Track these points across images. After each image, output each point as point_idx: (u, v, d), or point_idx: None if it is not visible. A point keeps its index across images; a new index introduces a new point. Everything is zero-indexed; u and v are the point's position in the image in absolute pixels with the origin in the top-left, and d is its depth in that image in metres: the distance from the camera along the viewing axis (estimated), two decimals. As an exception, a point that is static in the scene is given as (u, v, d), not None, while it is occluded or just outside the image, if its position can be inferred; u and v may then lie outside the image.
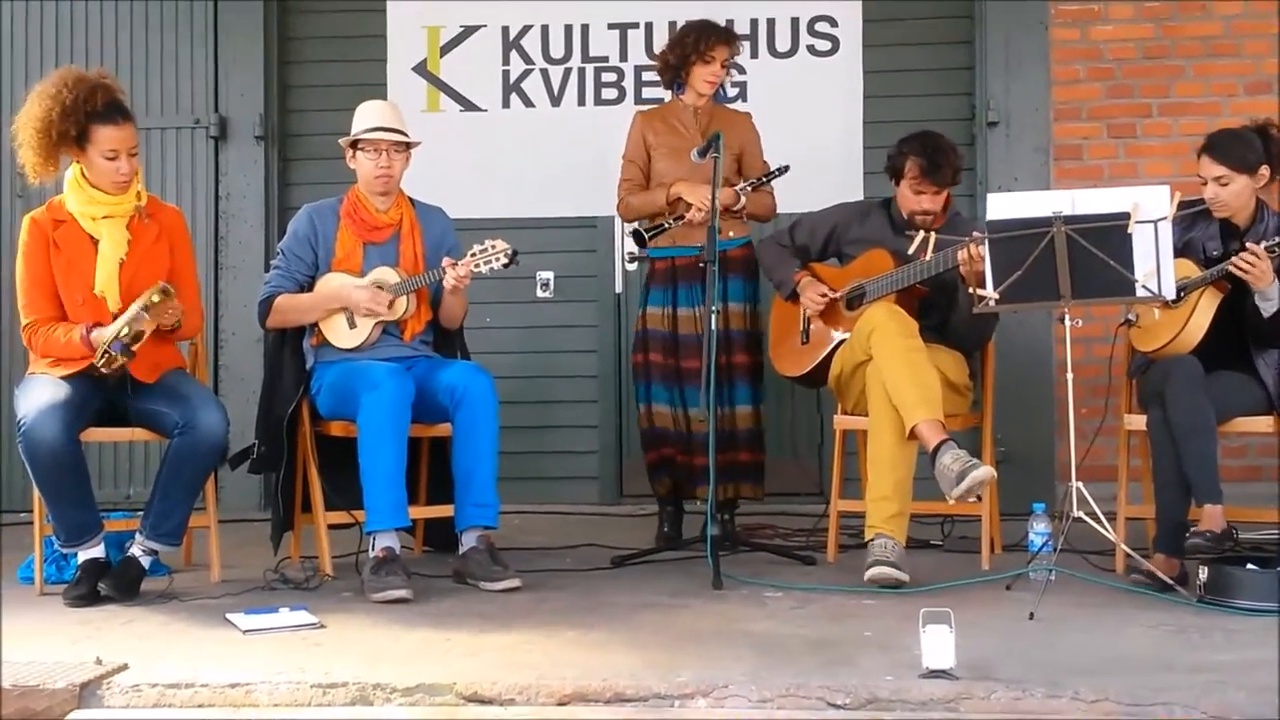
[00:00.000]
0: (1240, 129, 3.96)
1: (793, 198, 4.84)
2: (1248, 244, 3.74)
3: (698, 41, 4.55)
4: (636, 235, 4.49)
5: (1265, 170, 3.87)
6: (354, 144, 4.12)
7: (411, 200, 4.23)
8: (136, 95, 5.65)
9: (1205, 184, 3.87)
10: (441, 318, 4.21)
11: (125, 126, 3.83)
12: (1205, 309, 3.80)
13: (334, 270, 4.11)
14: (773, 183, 4.57)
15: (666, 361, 4.55)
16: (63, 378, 3.75)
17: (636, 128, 4.67)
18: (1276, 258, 3.71)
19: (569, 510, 5.38)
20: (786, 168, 4.53)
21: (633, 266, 5.61)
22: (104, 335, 3.69)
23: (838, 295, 4.28)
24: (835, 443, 4.34)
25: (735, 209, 4.49)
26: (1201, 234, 3.92)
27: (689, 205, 4.43)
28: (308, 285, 4.14)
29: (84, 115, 3.77)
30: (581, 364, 5.70)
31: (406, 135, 4.12)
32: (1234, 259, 3.72)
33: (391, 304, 4.04)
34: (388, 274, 4.08)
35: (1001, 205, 3.74)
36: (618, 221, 5.58)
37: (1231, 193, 3.85)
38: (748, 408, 4.54)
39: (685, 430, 4.51)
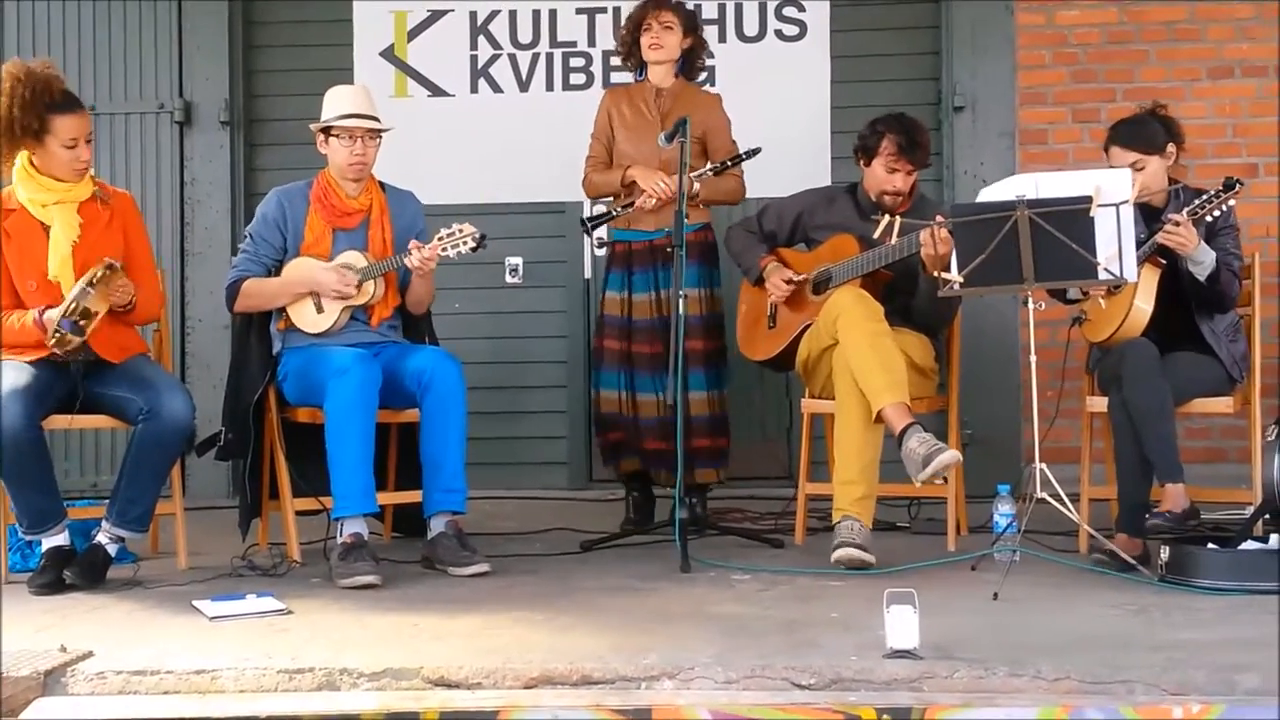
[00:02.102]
0: (1135, 115, 4.08)
1: (760, 182, 4.85)
2: (1167, 218, 3.80)
3: (632, 17, 4.61)
4: (581, 223, 4.53)
5: (1172, 148, 3.99)
6: (325, 130, 4.10)
7: (382, 185, 4.22)
8: (100, 80, 5.62)
9: None
10: (408, 303, 4.20)
11: (82, 115, 3.84)
12: (1146, 288, 3.85)
13: (302, 255, 4.09)
14: (742, 165, 4.54)
15: (620, 346, 4.55)
16: (28, 363, 3.72)
17: (604, 105, 4.68)
18: (1199, 220, 3.79)
19: (538, 495, 5.39)
20: (757, 150, 4.48)
21: (601, 252, 5.59)
22: (54, 315, 3.68)
23: (801, 279, 4.29)
24: (803, 426, 4.35)
25: (690, 195, 4.49)
26: None
27: (641, 190, 4.45)
28: (275, 269, 4.12)
29: (43, 107, 3.75)
30: (550, 349, 5.71)
31: (379, 122, 4.11)
32: (1161, 230, 3.78)
33: (359, 288, 4.03)
34: (355, 258, 4.07)
35: (995, 192, 3.77)
36: (586, 206, 5.57)
37: (1150, 174, 3.93)
38: (701, 393, 4.51)
39: (633, 415, 4.52)
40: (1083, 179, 3.68)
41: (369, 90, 4.26)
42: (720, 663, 2.79)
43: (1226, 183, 3.79)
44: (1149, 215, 3.96)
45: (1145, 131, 3.97)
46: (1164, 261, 3.87)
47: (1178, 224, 3.75)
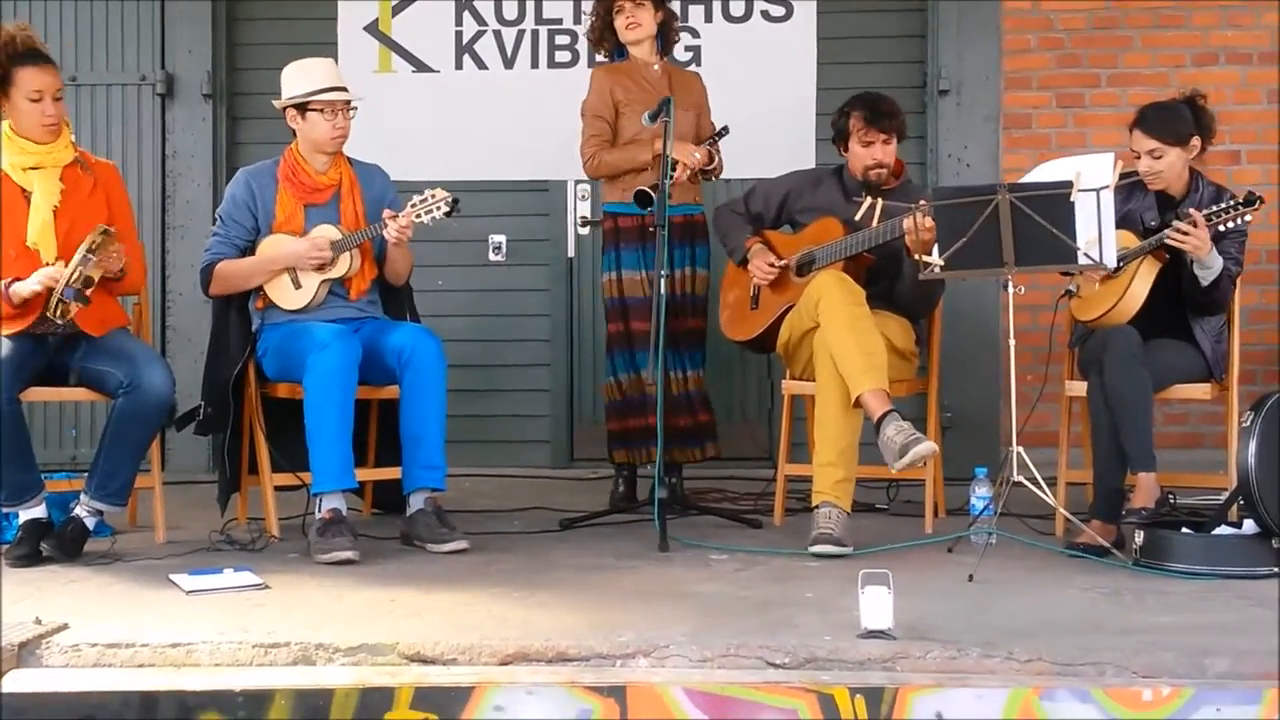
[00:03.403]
0: (1170, 101, 4.04)
1: (745, 163, 4.86)
2: (1183, 212, 3.80)
3: (600, 1, 4.60)
4: (642, 197, 4.30)
5: (1197, 141, 3.94)
6: (300, 105, 4.07)
7: (350, 159, 4.20)
8: (82, 52, 5.58)
9: (1139, 158, 3.93)
10: (387, 273, 4.19)
11: (48, 69, 3.80)
12: (1144, 278, 3.86)
13: (275, 233, 4.08)
14: (720, 143, 4.57)
15: (644, 326, 4.51)
16: (5, 336, 3.70)
17: (601, 83, 4.60)
18: (1213, 227, 3.77)
19: (519, 473, 5.38)
20: (726, 129, 4.52)
21: (585, 231, 5.60)
22: (24, 288, 3.65)
23: (785, 264, 4.30)
24: (784, 408, 4.37)
25: (709, 168, 4.52)
26: (1139, 205, 3.97)
27: (676, 162, 4.40)
28: (249, 250, 4.10)
29: (5, 58, 3.74)
30: (533, 328, 5.70)
31: (349, 92, 4.09)
32: (1171, 229, 3.77)
33: (335, 261, 4.01)
34: (329, 231, 4.05)
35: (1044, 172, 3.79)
36: (570, 185, 5.57)
37: (1166, 164, 3.91)
38: (697, 372, 4.57)
39: (642, 395, 4.52)
40: (1067, 165, 3.70)
41: (333, 62, 4.26)
42: (695, 641, 2.80)
43: (1247, 198, 3.76)
44: (1164, 204, 3.96)
45: (1170, 120, 3.92)
46: (1168, 256, 3.86)
47: (1195, 224, 3.73)
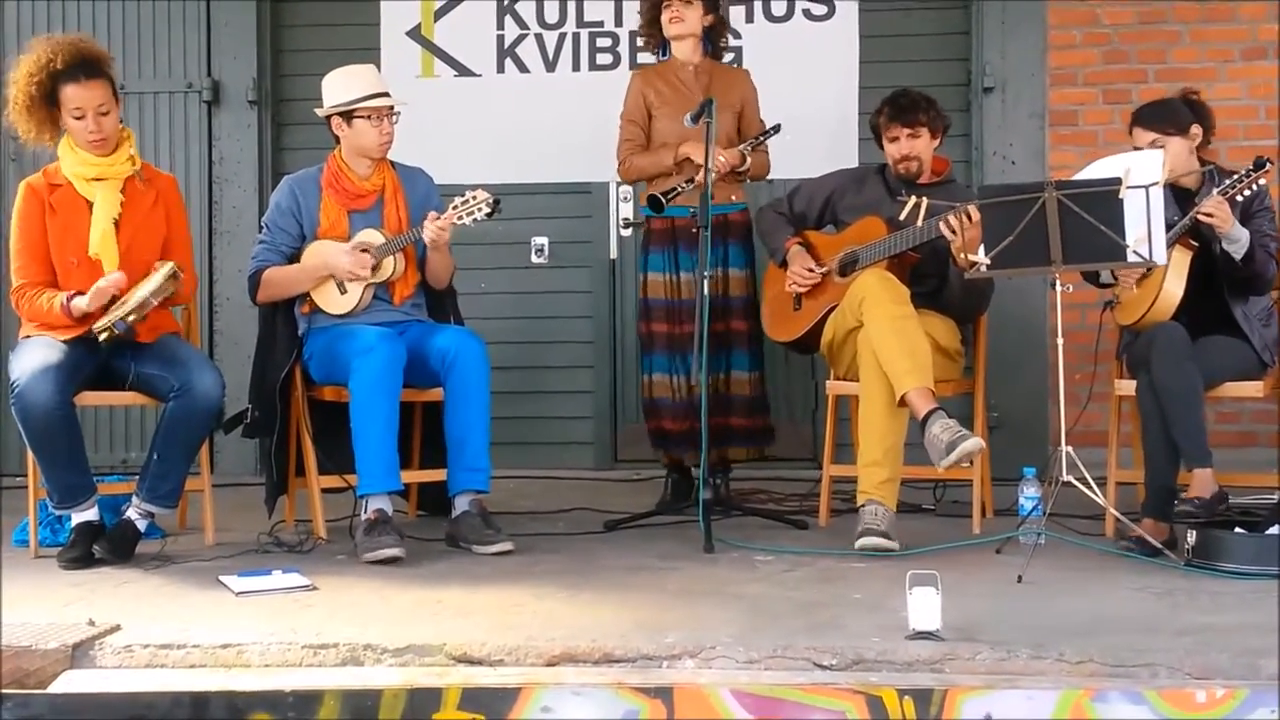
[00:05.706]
0: (1161, 98, 4.07)
1: (788, 163, 4.84)
2: (1201, 198, 3.78)
3: None
4: (653, 201, 4.41)
5: (1197, 129, 3.95)
6: (344, 113, 4.09)
7: (393, 164, 4.22)
8: (129, 59, 5.62)
9: None
10: (428, 276, 4.21)
11: (90, 85, 3.80)
12: (1177, 269, 3.82)
13: (319, 240, 4.10)
14: (767, 142, 4.57)
15: (671, 329, 4.54)
16: (59, 340, 3.75)
17: (636, 86, 4.64)
18: (1230, 197, 3.76)
19: (563, 475, 5.39)
20: (778, 127, 4.53)
21: (627, 232, 5.60)
22: (81, 303, 3.70)
23: (825, 269, 4.28)
24: (828, 408, 4.34)
25: (741, 170, 4.50)
26: None
27: (698, 166, 4.41)
28: (295, 256, 4.13)
29: (48, 75, 3.78)
30: (576, 329, 5.70)
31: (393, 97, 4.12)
32: (1197, 208, 3.75)
33: (378, 266, 4.04)
34: (373, 235, 4.08)
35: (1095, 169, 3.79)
36: (612, 187, 5.57)
37: (1172, 155, 3.88)
38: (743, 374, 4.53)
39: (687, 398, 4.51)
40: (1119, 162, 3.67)
41: (375, 68, 4.29)
42: (742, 642, 2.80)
43: (1256, 162, 3.76)
44: (1180, 197, 3.92)
45: (1166, 112, 3.94)
46: (1195, 244, 3.84)
47: (1216, 203, 3.72)
